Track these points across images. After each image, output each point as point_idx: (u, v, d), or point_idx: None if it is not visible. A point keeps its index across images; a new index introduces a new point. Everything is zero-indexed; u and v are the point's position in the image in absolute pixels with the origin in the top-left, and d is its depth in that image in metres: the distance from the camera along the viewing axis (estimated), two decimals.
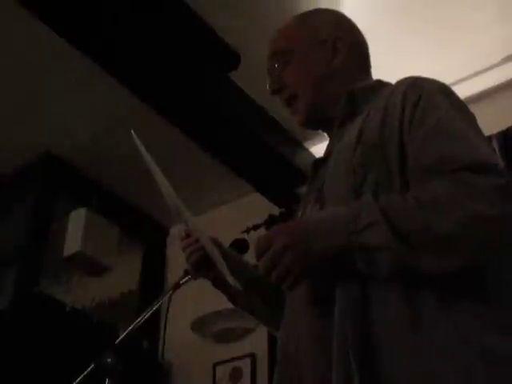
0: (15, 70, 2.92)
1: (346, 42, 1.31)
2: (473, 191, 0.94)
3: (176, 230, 3.73)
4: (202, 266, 1.31)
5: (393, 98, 1.12)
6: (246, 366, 3.14)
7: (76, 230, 3.29)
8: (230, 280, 1.16)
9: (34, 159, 3.37)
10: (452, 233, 0.93)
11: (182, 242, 1.34)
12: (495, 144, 2.70)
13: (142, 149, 1.27)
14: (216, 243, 1.32)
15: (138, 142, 1.28)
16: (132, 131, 1.29)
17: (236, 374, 3.15)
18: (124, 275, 3.76)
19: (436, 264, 0.94)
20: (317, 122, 1.33)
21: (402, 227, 0.95)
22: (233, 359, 3.18)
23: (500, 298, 0.99)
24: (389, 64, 2.72)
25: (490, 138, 2.74)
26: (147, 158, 1.28)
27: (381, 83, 1.27)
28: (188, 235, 1.35)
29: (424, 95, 1.09)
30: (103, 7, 2.41)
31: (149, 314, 1.26)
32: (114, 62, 2.66)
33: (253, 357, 3.13)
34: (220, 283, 1.37)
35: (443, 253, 0.94)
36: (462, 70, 2.82)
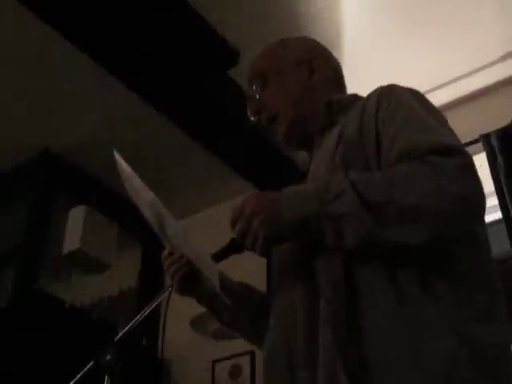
0: (15, 69, 2.92)
1: (321, 63, 1.38)
2: (437, 169, 0.99)
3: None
4: (187, 283, 1.32)
5: (368, 105, 1.18)
6: (245, 363, 3.14)
7: (75, 227, 3.29)
8: (218, 290, 1.15)
9: (34, 157, 3.37)
10: (416, 205, 0.97)
11: (165, 262, 1.35)
12: (495, 140, 2.69)
13: (124, 164, 1.25)
14: None
15: (119, 159, 1.27)
16: (114, 151, 1.27)
17: (235, 371, 3.16)
18: (123, 273, 3.76)
19: (400, 235, 0.98)
20: (299, 138, 1.38)
21: (369, 197, 0.99)
22: (232, 356, 3.18)
23: (478, 286, 1.03)
24: (388, 62, 2.74)
25: (489, 134, 2.74)
26: (129, 173, 1.25)
27: (357, 97, 1.33)
28: (171, 253, 1.35)
29: (394, 97, 1.16)
30: (99, 3, 2.41)
31: (148, 311, 1.26)
32: (113, 61, 2.66)
33: (252, 354, 3.13)
34: (206, 301, 1.40)
35: (407, 224, 0.97)
36: (462, 67, 2.82)
